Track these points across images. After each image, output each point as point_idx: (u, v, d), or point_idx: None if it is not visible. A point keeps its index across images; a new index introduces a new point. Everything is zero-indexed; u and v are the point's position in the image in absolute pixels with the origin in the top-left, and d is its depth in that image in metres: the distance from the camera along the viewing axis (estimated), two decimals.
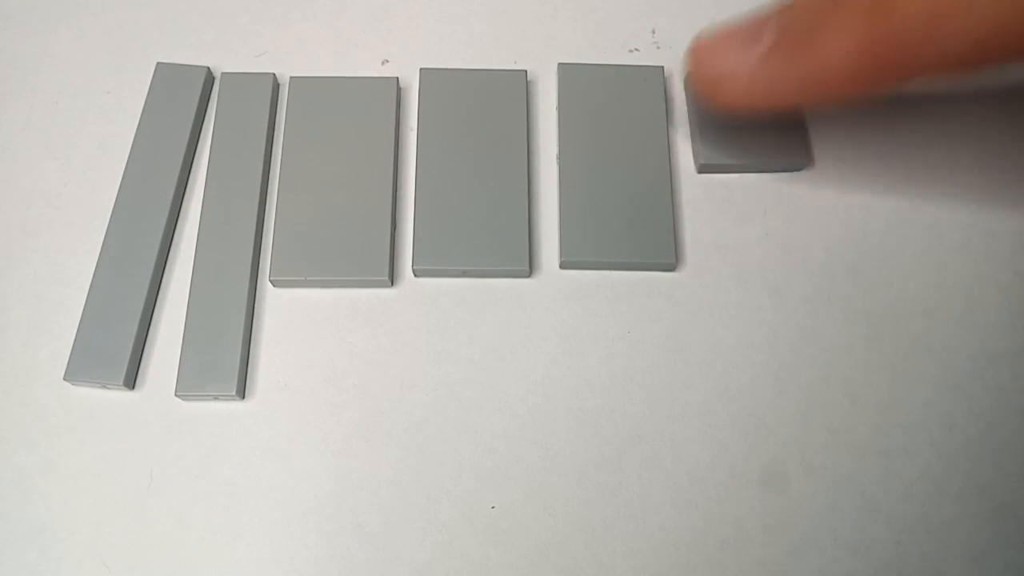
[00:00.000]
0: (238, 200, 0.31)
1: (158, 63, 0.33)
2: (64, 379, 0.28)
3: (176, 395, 0.29)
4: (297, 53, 0.34)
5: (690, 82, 0.30)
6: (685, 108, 0.34)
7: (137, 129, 0.32)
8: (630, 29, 0.35)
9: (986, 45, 0.20)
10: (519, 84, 0.33)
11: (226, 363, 0.29)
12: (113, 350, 0.29)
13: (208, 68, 0.33)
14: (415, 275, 0.31)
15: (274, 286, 0.31)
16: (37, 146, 0.33)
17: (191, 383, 0.28)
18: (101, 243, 0.30)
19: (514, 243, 0.30)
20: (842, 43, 0.22)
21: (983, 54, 0.20)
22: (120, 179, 0.31)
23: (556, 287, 0.31)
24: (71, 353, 0.29)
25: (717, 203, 0.32)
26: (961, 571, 0.28)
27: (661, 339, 0.30)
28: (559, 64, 0.33)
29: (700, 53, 0.26)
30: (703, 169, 0.32)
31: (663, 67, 0.33)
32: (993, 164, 0.33)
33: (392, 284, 0.31)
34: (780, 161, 0.32)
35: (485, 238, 0.30)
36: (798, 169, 0.33)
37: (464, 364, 0.29)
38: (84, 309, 0.29)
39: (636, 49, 0.35)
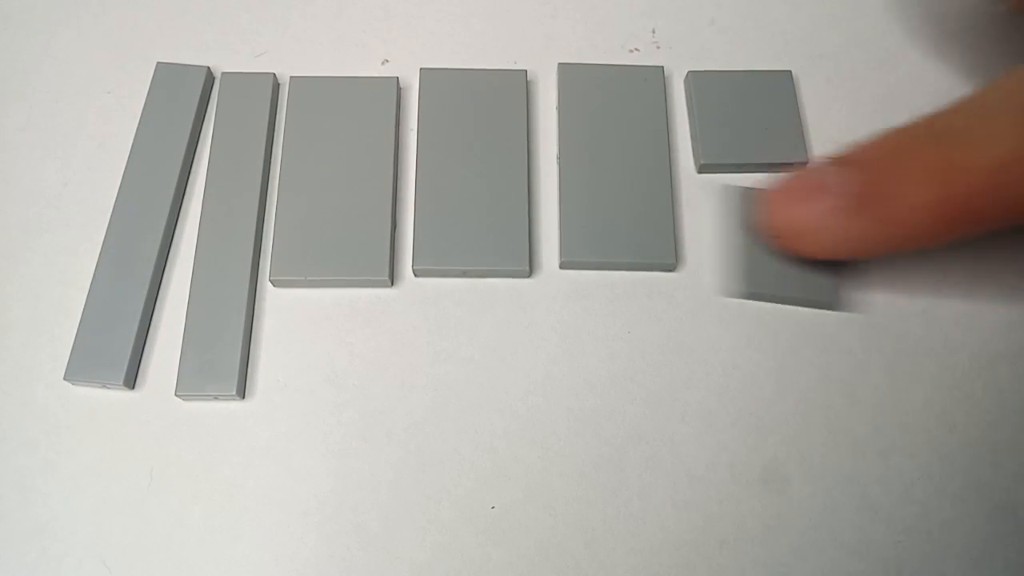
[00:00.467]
0: (238, 200, 0.31)
1: (158, 63, 0.33)
2: (64, 379, 0.29)
3: (176, 395, 0.29)
4: (297, 53, 0.34)
5: (762, 231, 0.29)
6: (685, 108, 0.34)
7: (137, 129, 0.32)
8: (630, 29, 0.35)
9: None
10: (519, 84, 0.33)
11: (226, 363, 0.29)
12: (113, 350, 0.29)
13: (208, 68, 0.33)
14: (415, 275, 0.31)
15: (274, 286, 0.31)
16: (37, 146, 0.33)
17: (191, 383, 0.28)
18: (101, 243, 0.30)
19: (514, 243, 0.30)
20: (914, 202, 0.23)
21: None
22: (120, 179, 0.31)
23: (556, 287, 0.31)
24: (71, 353, 0.29)
25: (717, 203, 0.32)
26: (961, 571, 0.28)
27: (661, 339, 0.30)
28: (559, 64, 0.33)
29: (774, 206, 0.27)
30: (703, 169, 0.32)
31: (663, 67, 0.33)
32: None
33: (392, 284, 0.31)
34: (780, 159, 0.32)
35: (485, 238, 0.30)
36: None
37: (464, 364, 0.29)
38: (84, 309, 0.29)
39: (636, 49, 0.35)
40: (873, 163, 0.25)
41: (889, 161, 0.24)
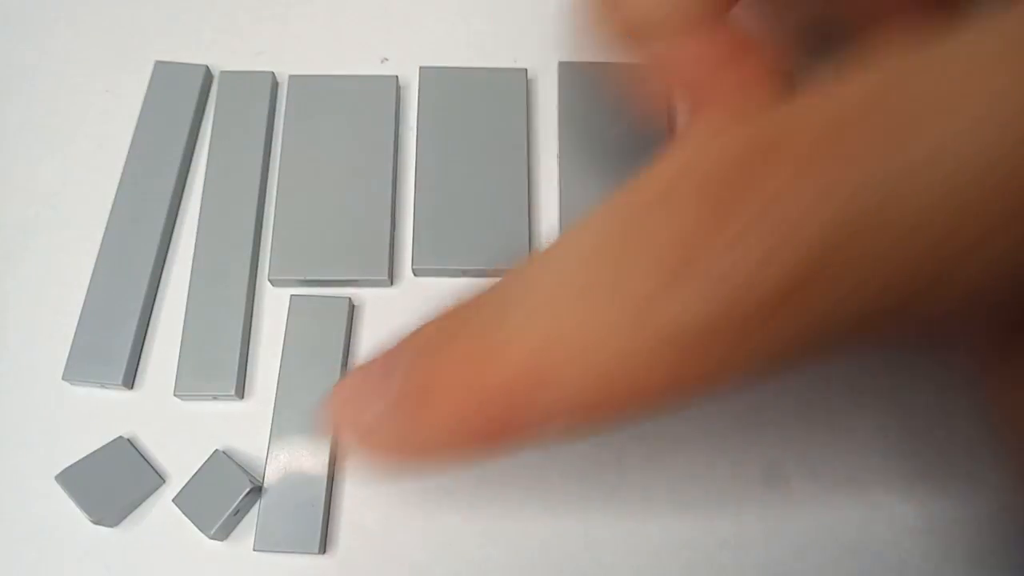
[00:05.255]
0: (237, 199, 0.31)
1: (156, 61, 0.33)
2: (63, 379, 0.28)
3: (175, 395, 0.28)
4: (296, 51, 0.34)
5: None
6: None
7: (136, 128, 0.32)
8: None
9: (607, 391, 0.15)
10: (519, 83, 0.33)
11: (225, 362, 0.29)
12: (112, 350, 0.29)
13: (207, 66, 0.33)
14: (415, 274, 0.31)
15: (273, 286, 0.30)
16: (35, 145, 0.33)
17: (190, 383, 0.28)
18: (100, 242, 0.30)
19: (514, 242, 0.30)
20: (451, 399, 0.17)
21: (605, 400, 0.15)
22: (119, 178, 0.31)
23: None
24: (70, 353, 0.29)
25: None
26: (961, 571, 0.28)
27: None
28: (560, 62, 0.33)
29: (337, 400, 0.20)
30: None
31: None
32: None
33: (392, 283, 0.30)
34: None
35: (485, 237, 0.30)
36: None
37: None
38: (83, 308, 0.29)
39: None
40: (426, 346, 0.19)
41: (440, 343, 0.18)
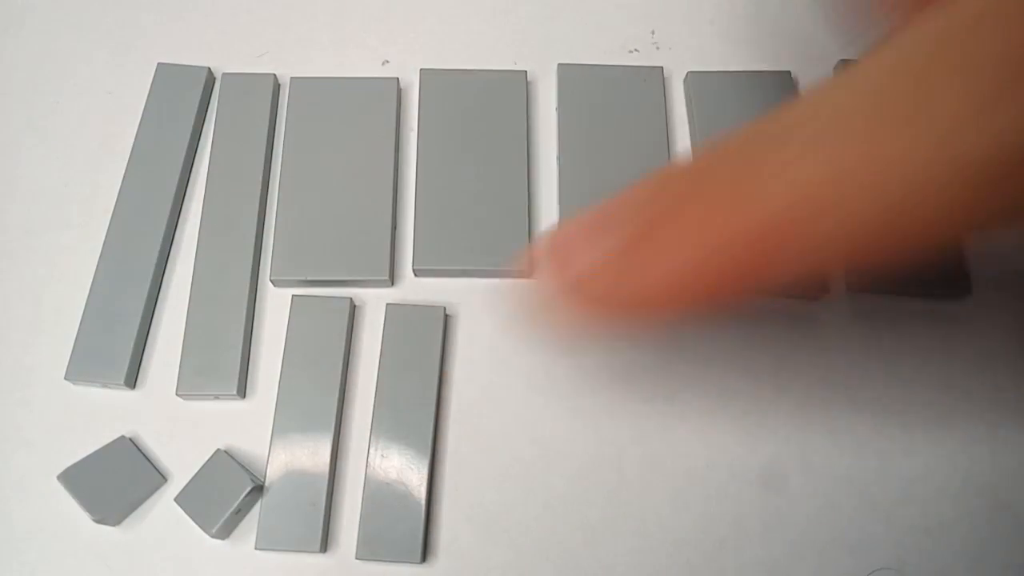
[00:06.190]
0: (239, 200, 0.31)
1: (159, 63, 0.33)
2: (65, 379, 0.29)
3: (177, 394, 0.29)
4: (298, 53, 0.34)
5: (543, 288, 0.21)
6: (684, 108, 0.34)
7: (138, 129, 0.32)
8: (629, 30, 0.35)
9: (893, 223, 0.14)
10: (519, 85, 0.33)
11: (227, 362, 0.29)
12: (114, 349, 0.29)
13: (209, 68, 0.33)
14: (416, 275, 0.31)
15: (275, 286, 0.31)
16: (38, 146, 0.33)
17: (192, 382, 0.28)
18: (102, 243, 0.30)
19: (514, 242, 0.30)
20: (685, 244, 0.17)
21: (889, 232, 0.15)
22: (121, 179, 0.31)
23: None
24: (72, 353, 0.29)
25: None
26: (961, 571, 0.28)
27: (660, 338, 0.30)
28: (559, 65, 0.33)
29: (554, 249, 0.19)
30: None
31: (662, 67, 0.33)
32: None
33: (392, 284, 0.31)
34: None
35: (485, 238, 0.30)
36: None
37: (464, 364, 0.30)
38: (85, 309, 0.29)
39: (635, 50, 0.35)
40: (664, 192, 0.18)
41: (682, 188, 0.18)
